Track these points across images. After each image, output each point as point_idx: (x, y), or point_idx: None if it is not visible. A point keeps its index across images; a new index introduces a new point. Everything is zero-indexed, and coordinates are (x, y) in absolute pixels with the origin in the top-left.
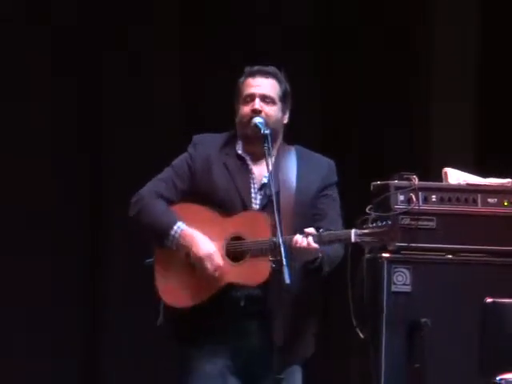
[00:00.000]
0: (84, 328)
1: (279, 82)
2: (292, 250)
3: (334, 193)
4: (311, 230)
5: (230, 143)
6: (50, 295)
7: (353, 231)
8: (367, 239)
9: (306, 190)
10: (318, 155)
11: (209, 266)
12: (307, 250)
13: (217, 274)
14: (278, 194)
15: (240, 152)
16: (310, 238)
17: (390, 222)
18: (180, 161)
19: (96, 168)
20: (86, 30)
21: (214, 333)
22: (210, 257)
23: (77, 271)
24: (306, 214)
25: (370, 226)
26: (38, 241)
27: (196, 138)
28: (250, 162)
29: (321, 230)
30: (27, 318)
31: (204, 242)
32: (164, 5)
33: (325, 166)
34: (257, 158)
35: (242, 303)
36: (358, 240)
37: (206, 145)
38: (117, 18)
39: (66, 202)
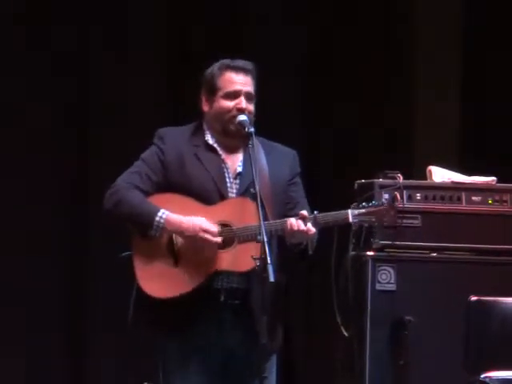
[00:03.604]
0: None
1: (254, 78)
2: (285, 233)
3: (300, 181)
4: (305, 213)
5: (196, 134)
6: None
7: (350, 211)
8: (365, 218)
9: (278, 179)
10: (281, 146)
11: (208, 236)
12: (304, 233)
13: (220, 240)
14: (254, 183)
15: (211, 142)
16: (309, 223)
17: (386, 202)
18: (150, 155)
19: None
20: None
21: (192, 326)
22: (205, 229)
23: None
24: (281, 202)
25: (367, 205)
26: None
27: (161, 131)
28: (221, 153)
29: (315, 213)
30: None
31: (192, 220)
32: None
33: (290, 156)
34: (230, 150)
35: (222, 298)
36: (356, 220)
37: (173, 137)
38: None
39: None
